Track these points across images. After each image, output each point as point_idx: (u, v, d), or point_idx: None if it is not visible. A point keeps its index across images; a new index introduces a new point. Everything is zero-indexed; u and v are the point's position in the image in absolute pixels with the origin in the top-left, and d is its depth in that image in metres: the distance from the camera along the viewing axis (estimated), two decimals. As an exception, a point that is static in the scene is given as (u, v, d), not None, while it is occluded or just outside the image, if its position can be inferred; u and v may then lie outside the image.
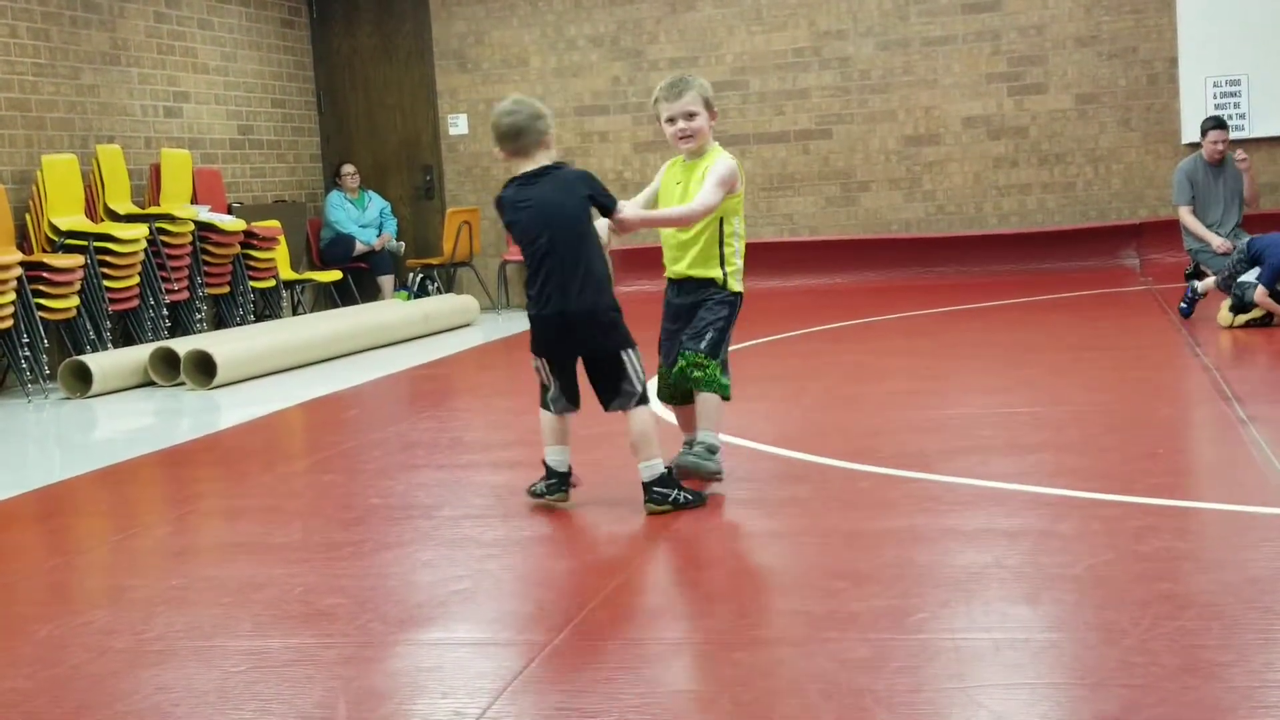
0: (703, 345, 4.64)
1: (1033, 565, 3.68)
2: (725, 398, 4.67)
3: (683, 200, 4.69)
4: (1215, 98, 11.99)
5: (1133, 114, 12.41)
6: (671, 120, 4.69)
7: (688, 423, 4.82)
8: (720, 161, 4.68)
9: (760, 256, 12.91)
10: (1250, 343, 7.66)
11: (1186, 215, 9.76)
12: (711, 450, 4.58)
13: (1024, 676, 2.88)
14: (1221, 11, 11.98)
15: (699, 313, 4.71)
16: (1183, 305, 8.43)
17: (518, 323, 11.25)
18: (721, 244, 4.71)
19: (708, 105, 4.70)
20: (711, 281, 4.73)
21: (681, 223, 4.66)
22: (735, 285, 4.76)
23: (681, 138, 4.70)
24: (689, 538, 4.19)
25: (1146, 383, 6.84)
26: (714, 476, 4.58)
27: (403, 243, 13.29)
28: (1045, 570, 3.62)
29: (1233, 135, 11.35)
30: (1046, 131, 12.60)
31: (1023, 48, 12.57)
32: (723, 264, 4.73)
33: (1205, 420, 5.74)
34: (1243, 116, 11.95)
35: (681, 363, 4.64)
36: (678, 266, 4.79)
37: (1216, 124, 9.86)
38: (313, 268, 12.81)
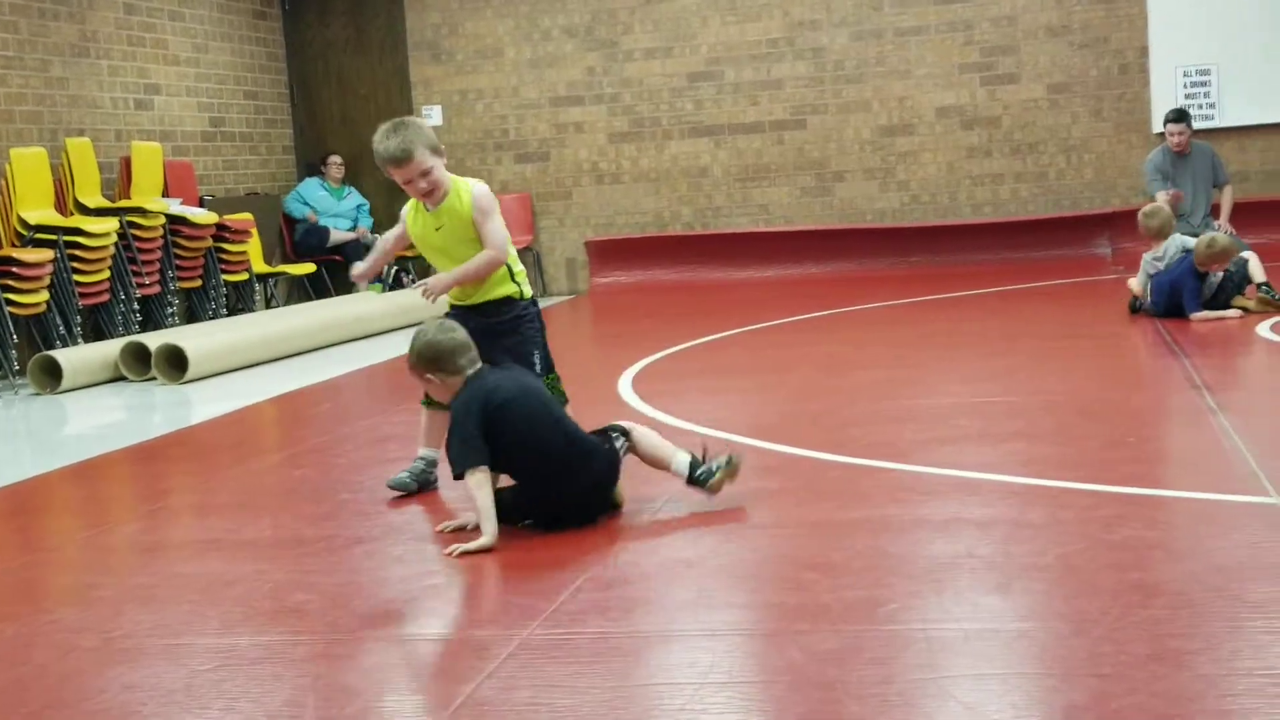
0: (539, 369, 4.67)
1: (1004, 555, 3.69)
2: (564, 402, 4.64)
3: (452, 244, 4.66)
4: (1185, 88, 12.04)
5: (1104, 104, 12.45)
6: (409, 182, 4.56)
7: None
8: (478, 195, 4.64)
9: (734, 247, 12.96)
10: (1220, 331, 7.70)
11: (1163, 200, 9.77)
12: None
13: (994, 667, 2.88)
14: (1191, 2, 12.03)
15: (514, 338, 4.69)
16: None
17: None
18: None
19: (435, 151, 4.56)
20: (509, 298, 4.74)
21: (488, 270, 4.65)
22: (528, 291, 4.79)
23: (425, 194, 4.60)
24: (659, 530, 4.18)
25: (1118, 371, 6.86)
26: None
27: (378, 235, 13.23)
28: (1016, 560, 3.62)
29: (1202, 125, 11.42)
30: (1019, 121, 12.62)
31: (995, 38, 12.59)
32: (512, 277, 4.75)
33: (1176, 409, 5.76)
34: (1212, 106, 11.99)
35: None
36: (474, 297, 4.73)
37: (1175, 117, 9.87)
38: (286, 260, 12.75)
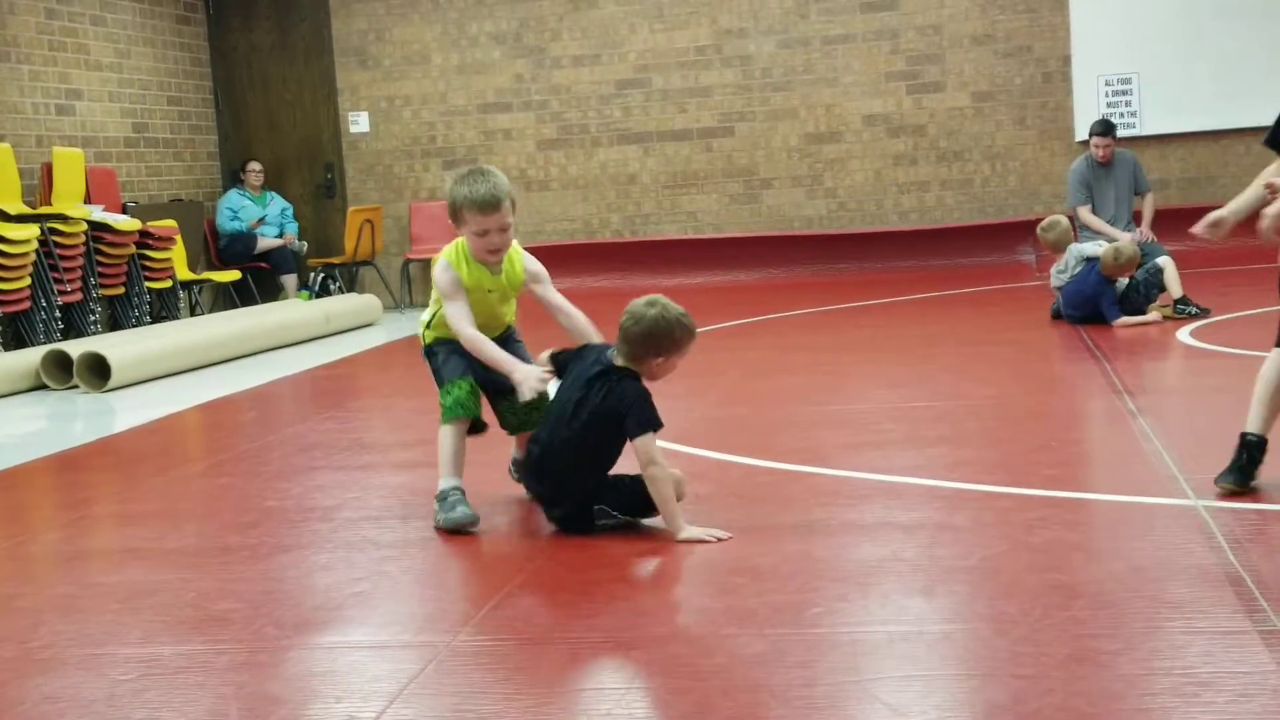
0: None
1: (928, 558, 3.72)
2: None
3: (498, 304, 4.58)
4: (1107, 96, 12.22)
5: (1028, 112, 12.61)
6: (483, 233, 4.32)
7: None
8: (530, 261, 4.64)
9: (663, 254, 12.98)
10: (1141, 336, 7.82)
11: (1086, 214, 9.89)
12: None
13: (918, 669, 2.91)
14: (1113, 11, 12.22)
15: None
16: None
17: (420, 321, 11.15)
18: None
19: (515, 205, 4.40)
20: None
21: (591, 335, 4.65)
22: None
23: (492, 251, 4.37)
24: (587, 537, 4.18)
25: (1041, 376, 6.95)
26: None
27: (304, 242, 13.14)
28: (940, 563, 3.66)
29: (1124, 133, 11.58)
30: (945, 129, 12.75)
31: (921, 46, 12.72)
32: None
33: (1097, 413, 5.85)
34: (1134, 114, 12.18)
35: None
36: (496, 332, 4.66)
37: (1101, 130, 9.98)
38: (211, 267, 12.63)
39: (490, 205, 4.26)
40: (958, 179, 12.72)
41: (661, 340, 4.23)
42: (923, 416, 5.85)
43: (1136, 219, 10.08)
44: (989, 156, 12.70)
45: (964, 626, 3.17)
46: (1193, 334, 7.67)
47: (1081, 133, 11.99)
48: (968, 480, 4.55)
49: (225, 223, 12.69)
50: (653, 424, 4.16)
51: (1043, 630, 3.05)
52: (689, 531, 4.03)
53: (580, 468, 4.18)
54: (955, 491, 4.45)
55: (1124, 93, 12.24)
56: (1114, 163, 9.94)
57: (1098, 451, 5.30)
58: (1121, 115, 12.03)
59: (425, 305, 12.23)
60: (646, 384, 4.28)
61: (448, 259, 4.44)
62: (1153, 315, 8.20)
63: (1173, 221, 11.10)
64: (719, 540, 3.99)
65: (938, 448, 5.22)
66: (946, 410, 5.94)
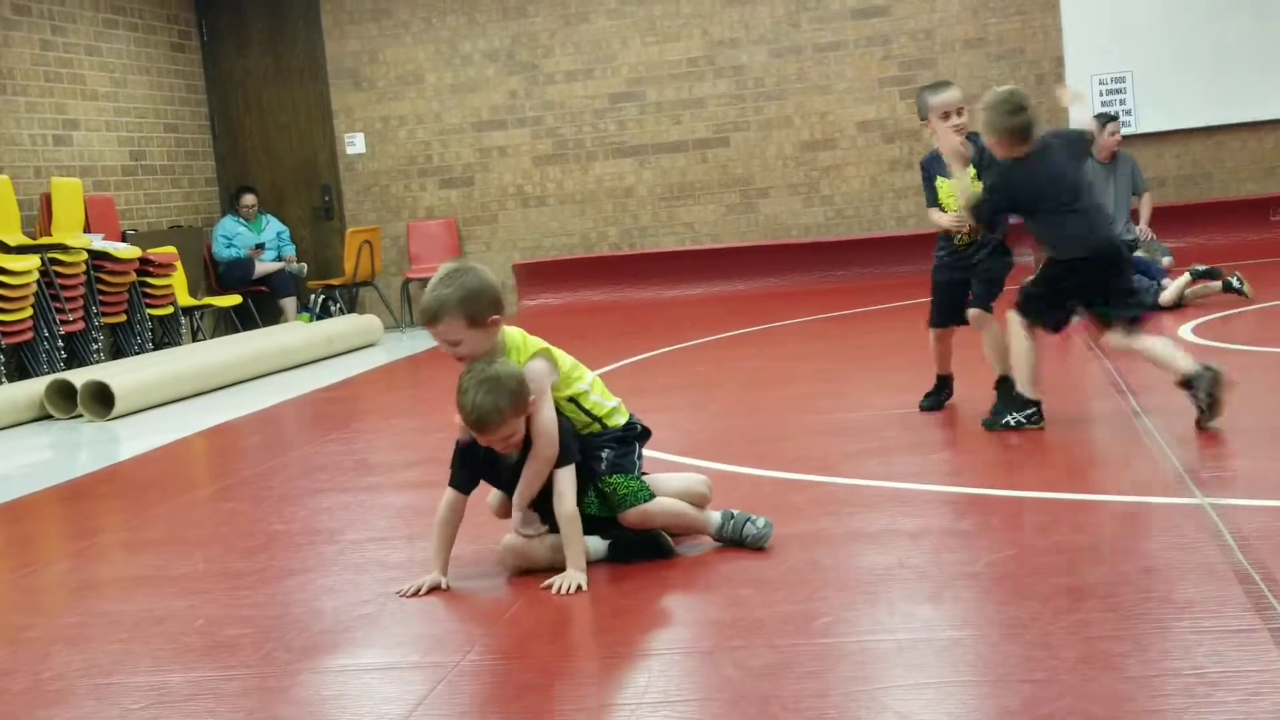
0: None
1: (935, 564, 3.72)
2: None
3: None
4: (1102, 95, 12.24)
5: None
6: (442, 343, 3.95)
7: None
8: (530, 372, 3.92)
9: (661, 266, 13.00)
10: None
11: None
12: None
13: (929, 676, 2.90)
14: (1104, 11, 12.24)
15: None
16: None
17: (422, 341, 11.17)
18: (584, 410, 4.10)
19: (473, 320, 3.82)
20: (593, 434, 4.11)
21: (547, 470, 3.93)
22: (616, 421, 4.13)
23: (460, 360, 3.93)
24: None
25: (1043, 378, 6.93)
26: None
27: (304, 264, 13.15)
28: (947, 569, 3.66)
29: (1121, 131, 11.59)
30: (940, 133, 12.74)
31: (913, 51, 12.73)
32: (594, 419, 4.11)
33: (1101, 413, 5.84)
34: (1128, 113, 12.20)
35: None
36: None
37: (1110, 119, 10.03)
38: (211, 293, 12.64)
39: (425, 316, 3.92)
40: (954, 183, 12.71)
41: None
42: (925, 422, 5.85)
43: (1135, 218, 10.09)
44: (985, 159, 12.69)
45: (974, 632, 3.17)
46: (1195, 330, 7.66)
47: (1083, 132, 12.00)
48: (972, 485, 4.55)
49: (221, 250, 12.70)
50: (566, 458, 3.94)
51: (1053, 633, 3.04)
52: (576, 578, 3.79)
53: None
54: (960, 496, 4.45)
55: (1118, 91, 12.25)
56: (1116, 162, 9.95)
57: (1103, 452, 5.30)
58: (1116, 114, 12.04)
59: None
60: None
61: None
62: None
63: (1169, 220, 11.15)
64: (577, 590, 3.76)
65: (941, 452, 5.21)
66: (948, 415, 5.94)
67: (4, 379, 9.37)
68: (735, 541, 4.04)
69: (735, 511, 4.10)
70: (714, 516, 4.11)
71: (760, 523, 4.05)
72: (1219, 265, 8.92)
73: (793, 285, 12.46)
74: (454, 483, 3.96)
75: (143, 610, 4.00)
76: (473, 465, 3.97)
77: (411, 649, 3.46)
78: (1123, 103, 12.23)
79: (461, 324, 3.82)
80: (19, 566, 4.89)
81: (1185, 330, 7.69)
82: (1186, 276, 8.62)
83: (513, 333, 4.05)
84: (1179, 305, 8.24)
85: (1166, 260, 8.86)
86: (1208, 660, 2.81)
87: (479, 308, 3.83)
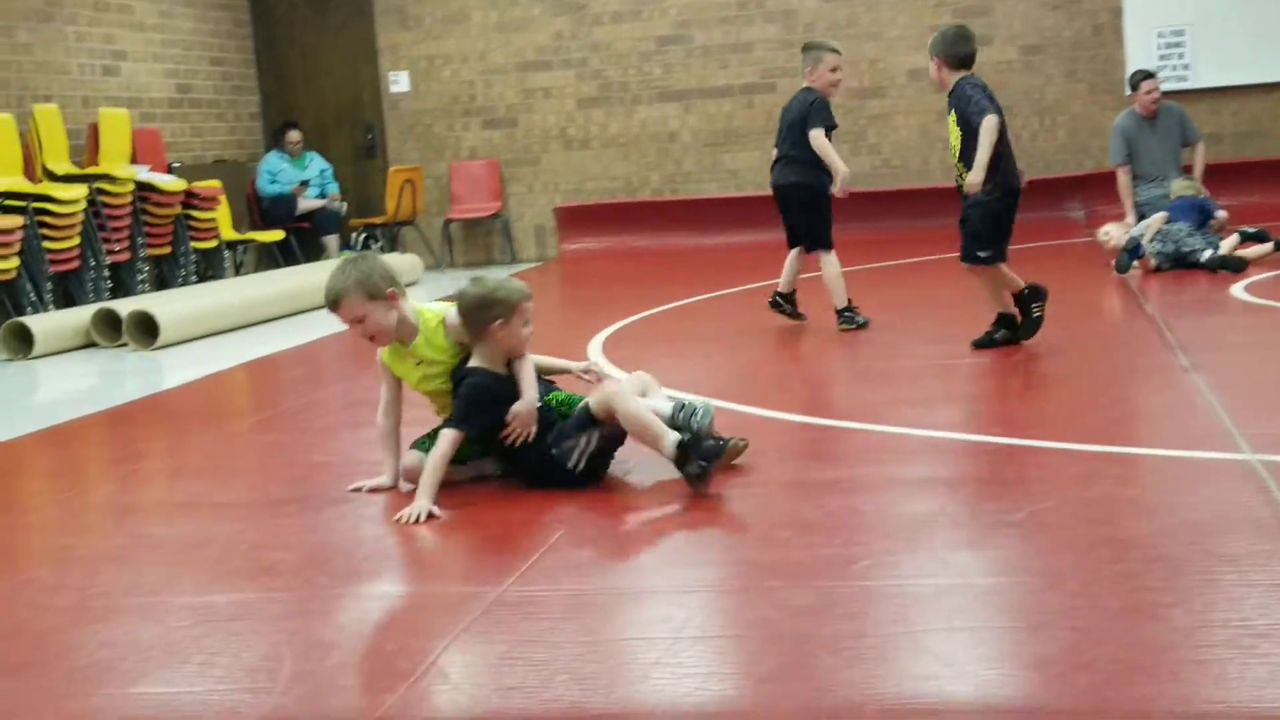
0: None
1: (976, 512, 3.71)
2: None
3: (448, 383, 4.28)
4: (1159, 49, 12.06)
5: (1078, 65, 12.46)
6: (350, 324, 4.27)
7: None
8: (450, 320, 4.30)
9: (704, 212, 12.93)
10: (1194, 292, 7.74)
11: (1122, 177, 9.82)
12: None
13: (966, 621, 2.90)
14: (1165, -38, 12.05)
15: None
16: (1123, 258, 8.51)
17: (462, 281, 11.16)
18: None
19: (372, 295, 4.17)
20: None
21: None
22: None
23: (370, 340, 4.28)
24: (634, 489, 4.18)
25: (1090, 332, 6.89)
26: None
27: (345, 202, 13.16)
28: (988, 517, 3.64)
29: (1175, 86, 11.45)
30: (992, 83, 12.36)
31: None
32: None
33: (1148, 368, 5.79)
34: (1186, 68, 12.02)
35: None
36: None
37: (1148, 74, 9.89)
38: (254, 228, 12.68)
39: (328, 301, 4.25)
40: (1004, 135, 12.56)
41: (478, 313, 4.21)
42: (969, 372, 5.82)
43: (1188, 171, 9.95)
44: (1038, 111, 12.57)
45: (1013, 580, 3.16)
46: (1248, 289, 7.58)
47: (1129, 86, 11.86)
48: (1015, 435, 4.52)
49: (265, 186, 12.72)
50: (455, 422, 4.16)
51: (1094, 583, 3.03)
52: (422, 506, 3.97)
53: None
54: (1002, 447, 4.42)
55: (1176, 45, 12.07)
56: (1159, 115, 9.81)
57: (1150, 406, 5.25)
58: (1174, 68, 11.89)
59: (467, 264, 12.33)
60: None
61: (380, 352, 4.39)
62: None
63: (1226, 177, 11.00)
64: (428, 518, 3.93)
65: (984, 403, 5.19)
66: (991, 366, 5.90)
67: (51, 307, 9.45)
68: (685, 428, 4.09)
69: (686, 401, 4.21)
70: (665, 407, 4.20)
71: (700, 411, 4.14)
72: (1267, 226, 8.81)
73: (837, 235, 12.27)
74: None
75: (186, 534, 4.04)
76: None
77: (452, 578, 3.49)
78: (1180, 57, 12.05)
79: (361, 299, 4.16)
80: (66, 489, 4.95)
81: (1237, 289, 7.61)
82: (1236, 238, 8.52)
83: (426, 308, 4.38)
84: (1238, 267, 8.13)
85: (1221, 215, 8.75)
86: (1255, 613, 2.79)
87: (374, 283, 4.19)
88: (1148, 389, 5.49)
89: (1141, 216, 9.57)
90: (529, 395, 4.19)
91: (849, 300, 7.16)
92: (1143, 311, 7.09)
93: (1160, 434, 4.68)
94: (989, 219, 6.14)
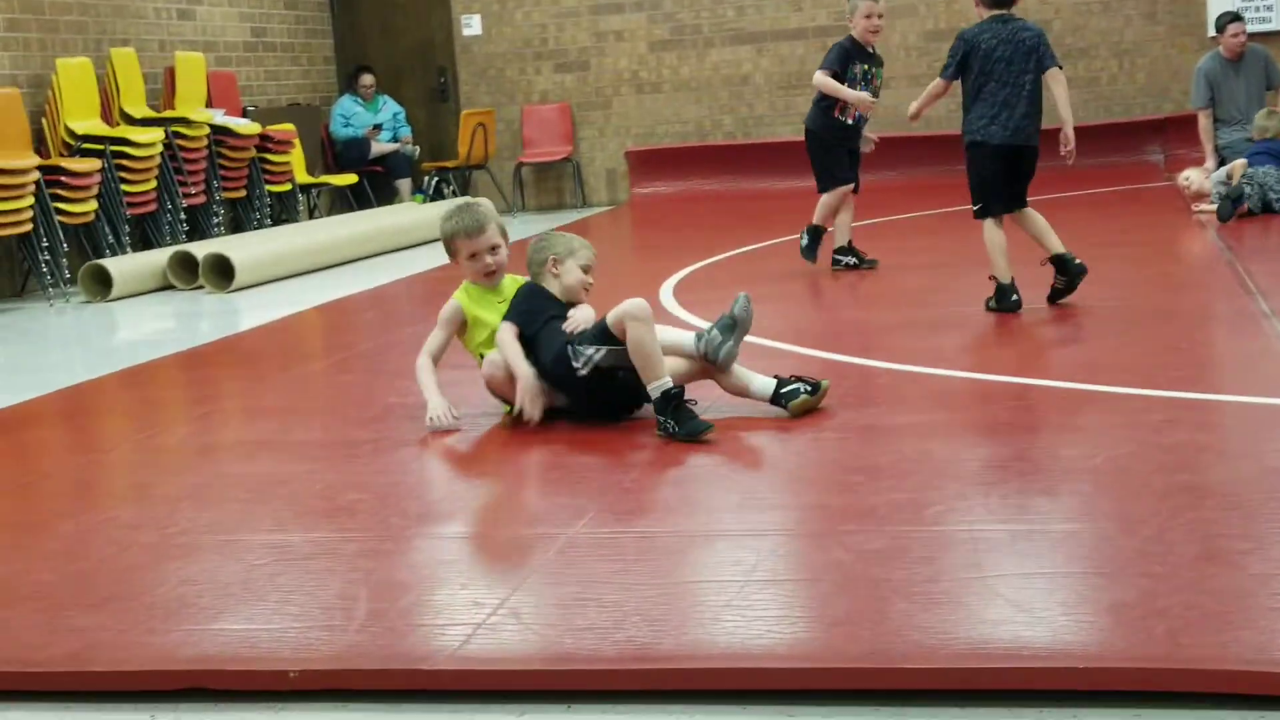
0: None
1: (1051, 458, 3.68)
2: None
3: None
4: (1245, -11, 11.78)
5: (1158, 7, 12.21)
6: (474, 256, 4.56)
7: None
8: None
9: (776, 156, 12.82)
10: (1276, 238, 7.59)
11: (1203, 120, 9.64)
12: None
13: (1041, 566, 2.88)
14: (1250, -100, 11.74)
15: None
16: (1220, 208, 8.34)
17: (534, 225, 11.20)
18: None
19: (504, 232, 4.64)
20: None
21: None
22: None
23: (488, 273, 4.60)
24: (696, 438, 4.17)
25: (1169, 278, 6.79)
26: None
27: (418, 146, 13.20)
28: (1063, 463, 3.61)
29: (1259, 28, 11.19)
30: (1070, 25, 12.40)
31: (1046, -60, 12.34)
32: None
33: (1228, 314, 5.70)
34: (1269, 8, 11.74)
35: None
36: None
37: (1234, 17, 9.68)
38: (328, 171, 12.76)
39: (473, 230, 4.56)
40: (1084, 77, 12.37)
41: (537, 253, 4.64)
42: (1044, 319, 5.76)
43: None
44: (1117, 53, 12.33)
45: (1089, 525, 3.13)
46: (1326, 236, 7.43)
47: (1214, 28, 11.60)
48: (1091, 381, 4.47)
49: (339, 129, 12.79)
50: (507, 316, 4.52)
51: (1171, 530, 3.00)
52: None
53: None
54: (1078, 392, 4.38)
55: (1262, -16, 11.78)
56: (1244, 58, 9.60)
57: (1229, 353, 5.17)
58: (1257, 9, 11.61)
59: (538, 209, 12.33)
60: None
61: (457, 296, 4.67)
62: None
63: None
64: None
65: (1061, 349, 5.13)
66: (1069, 312, 5.83)
67: (129, 249, 9.58)
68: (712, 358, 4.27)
69: (706, 329, 4.35)
70: (687, 339, 4.35)
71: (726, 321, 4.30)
72: None
73: (909, 179, 12.23)
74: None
75: (263, 473, 4.10)
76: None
77: (525, 519, 3.51)
78: (1265, -2, 11.76)
79: (499, 232, 4.59)
80: (145, 428, 5.03)
81: (1318, 234, 7.46)
82: None
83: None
84: None
85: None
86: (1333, 561, 2.75)
87: (501, 221, 4.70)
88: (1227, 335, 5.41)
89: (1222, 160, 9.37)
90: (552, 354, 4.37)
91: (820, 223, 7.40)
92: (1222, 257, 6.97)
93: (1240, 380, 4.60)
94: (970, 172, 6.16)
